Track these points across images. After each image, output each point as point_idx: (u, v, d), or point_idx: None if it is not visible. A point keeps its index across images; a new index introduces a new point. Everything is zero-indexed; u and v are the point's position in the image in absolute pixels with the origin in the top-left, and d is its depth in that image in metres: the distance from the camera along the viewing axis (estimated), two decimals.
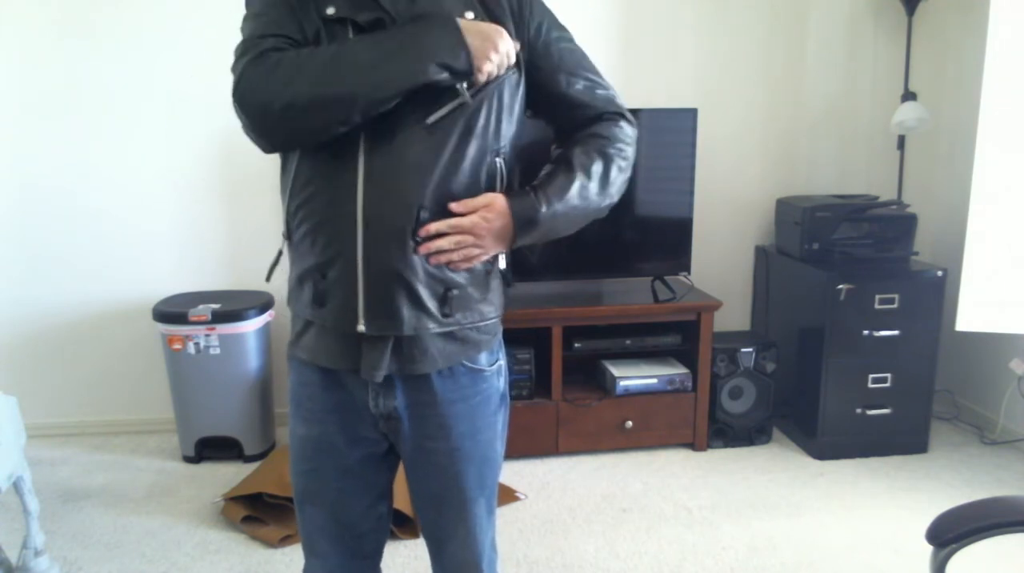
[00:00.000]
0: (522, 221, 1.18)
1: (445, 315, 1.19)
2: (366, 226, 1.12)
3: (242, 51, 1.13)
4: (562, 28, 1.28)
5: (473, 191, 1.18)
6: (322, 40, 1.14)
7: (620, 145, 1.27)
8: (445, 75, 1.10)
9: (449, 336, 1.21)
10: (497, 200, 1.17)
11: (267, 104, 1.09)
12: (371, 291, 1.15)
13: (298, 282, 1.22)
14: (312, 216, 1.16)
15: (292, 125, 1.10)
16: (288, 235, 1.22)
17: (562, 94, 1.26)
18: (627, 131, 1.29)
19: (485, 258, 1.20)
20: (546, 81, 1.25)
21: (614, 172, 1.26)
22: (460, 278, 1.19)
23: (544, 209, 1.18)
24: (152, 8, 2.97)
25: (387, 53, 1.09)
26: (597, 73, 1.30)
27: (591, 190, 1.23)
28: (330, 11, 1.13)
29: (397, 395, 1.23)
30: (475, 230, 1.15)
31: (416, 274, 1.15)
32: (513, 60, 1.17)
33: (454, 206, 1.15)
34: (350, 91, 1.07)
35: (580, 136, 1.27)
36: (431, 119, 1.12)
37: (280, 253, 1.27)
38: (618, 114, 1.29)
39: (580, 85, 1.27)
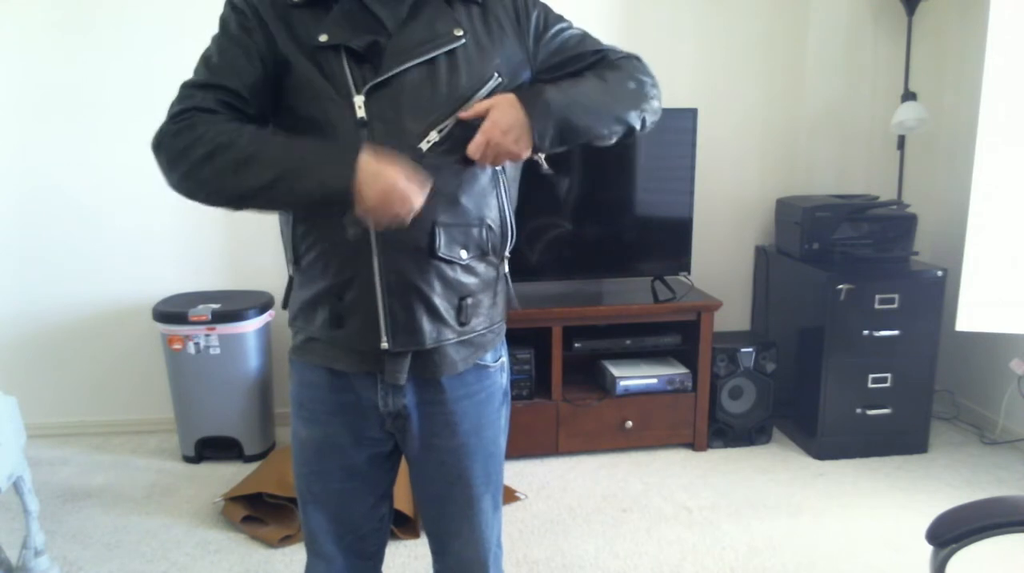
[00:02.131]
0: (532, 103, 1.13)
1: (462, 324, 1.21)
2: (381, 246, 1.13)
3: (178, 98, 1.14)
4: (559, 18, 1.29)
5: (482, 200, 1.19)
6: (313, 65, 1.12)
7: (634, 71, 1.25)
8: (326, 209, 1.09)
9: (465, 342, 1.23)
10: (502, 99, 1.13)
11: (171, 164, 1.09)
12: (392, 309, 1.16)
13: (310, 305, 1.21)
14: (323, 240, 1.16)
15: (187, 191, 1.10)
16: (295, 260, 1.22)
17: (575, 74, 1.25)
18: (641, 63, 1.27)
19: (526, 153, 1.14)
20: (559, 75, 1.25)
21: (632, 83, 1.22)
22: (472, 286, 1.20)
23: (554, 93, 1.14)
24: (152, 7, 2.97)
25: (280, 176, 1.05)
26: (602, 44, 1.29)
27: (608, 88, 1.20)
28: (323, 38, 1.13)
29: (407, 393, 1.23)
30: (491, 133, 1.10)
31: (433, 287, 1.16)
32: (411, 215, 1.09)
33: (461, 115, 1.13)
34: (238, 194, 1.08)
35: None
36: (432, 135, 1.13)
37: (291, 279, 1.26)
38: (628, 55, 1.28)
39: (591, 58, 1.27)
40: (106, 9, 2.95)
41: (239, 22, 1.15)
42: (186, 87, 1.15)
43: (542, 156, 1.19)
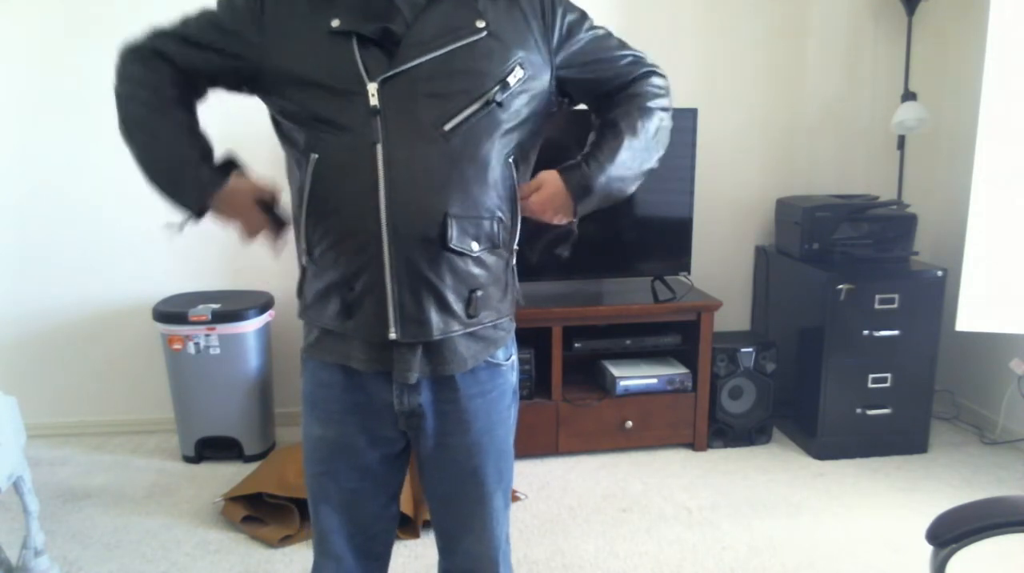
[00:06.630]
0: (579, 191, 1.25)
1: (470, 316, 1.20)
2: (393, 236, 1.13)
3: (152, 32, 1.25)
4: (583, 15, 1.28)
5: (494, 192, 1.19)
6: (321, 53, 1.14)
7: (657, 100, 1.30)
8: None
9: (474, 336, 1.23)
10: (549, 178, 1.25)
11: (114, 88, 1.27)
12: (401, 299, 1.16)
13: (322, 296, 1.21)
14: (333, 230, 1.16)
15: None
16: (308, 251, 1.21)
17: (595, 80, 1.28)
18: (659, 83, 1.32)
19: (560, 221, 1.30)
20: (580, 76, 1.27)
21: (655, 123, 1.29)
22: (483, 278, 1.21)
23: (598, 176, 1.24)
24: (154, 7, 2.96)
25: (161, 170, 1.31)
26: (622, 44, 1.31)
27: (638, 146, 1.27)
28: (335, 23, 1.13)
29: (423, 392, 1.23)
30: (534, 208, 1.26)
31: (444, 279, 1.16)
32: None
33: (524, 198, 1.25)
34: (137, 160, 1.33)
35: (617, 99, 1.29)
36: (448, 126, 1.12)
37: (305, 270, 1.25)
38: (647, 72, 1.31)
39: (607, 63, 1.28)
40: (106, 9, 2.95)
41: (235, 8, 1.20)
42: (158, 27, 1.26)
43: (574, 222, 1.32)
